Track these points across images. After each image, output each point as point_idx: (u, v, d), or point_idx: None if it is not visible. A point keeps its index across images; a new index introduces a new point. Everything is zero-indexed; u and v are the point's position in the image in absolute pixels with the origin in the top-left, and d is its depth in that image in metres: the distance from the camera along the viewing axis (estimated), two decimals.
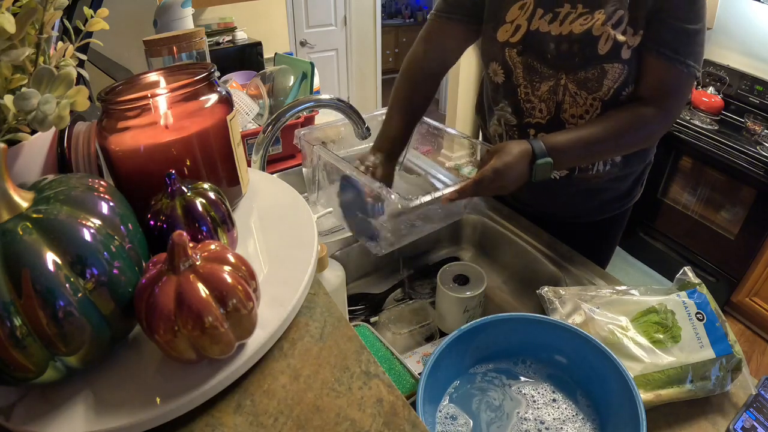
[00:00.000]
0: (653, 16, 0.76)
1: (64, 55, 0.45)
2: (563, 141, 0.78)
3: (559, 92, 0.84)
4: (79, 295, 0.32)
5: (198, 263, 0.35)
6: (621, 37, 0.77)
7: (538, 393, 0.61)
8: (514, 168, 0.75)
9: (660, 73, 0.79)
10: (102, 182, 0.38)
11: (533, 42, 0.82)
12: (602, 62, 0.79)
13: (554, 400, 0.60)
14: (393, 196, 0.72)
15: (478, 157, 0.91)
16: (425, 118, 1.02)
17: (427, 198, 0.73)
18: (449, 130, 1.06)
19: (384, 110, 0.97)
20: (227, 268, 0.36)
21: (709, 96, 2.26)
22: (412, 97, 0.94)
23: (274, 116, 0.86)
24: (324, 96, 0.89)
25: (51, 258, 0.31)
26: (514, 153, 0.75)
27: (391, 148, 0.90)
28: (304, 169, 0.96)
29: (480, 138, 1.07)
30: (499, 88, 0.91)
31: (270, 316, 0.41)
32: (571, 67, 0.81)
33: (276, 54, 1.40)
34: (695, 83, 0.85)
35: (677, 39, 0.76)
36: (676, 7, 0.75)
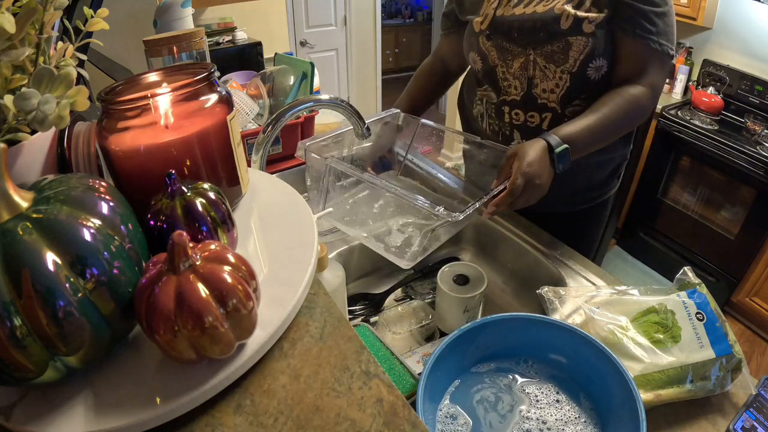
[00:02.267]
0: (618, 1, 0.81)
1: (64, 55, 0.45)
2: (572, 130, 0.82)
3: (530, 67, 0.90)
4: (79, 295, 0.32)
5: (198, 263, 0.35)
6: (581, 14, 0.83)
7: (542, 393, 0.61)
8: (540, 163, 0.75)
9: (636, 52, 0.85)
10: (102, 182, 0.38)
11: (498, 26, 0.91)
12: (566, 35, 0.84)
13: (557, 401, 0.60)
14: (442, 211, 0.68)
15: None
16: (425, 120, 1.06)
17: (474, 207, 0.71)
18: (449, 130, 1.06)
19: (383, 113, 1.06)
20: (227, 268, 0.36)
21: (709, 96, 2.26)
22: (433, 75, 1.15)
23: (274, 116, 0.86)
24: (324, 96, 0.89)
25: (51, 258, 0.31)
26: (532, 151, 0.76)
27: (409, 105, 1.11)
28: (308, 181, 0.96)
29: (459, 126, 1.18)
30: (479, 73, 0.99)
31: (270, 316, 0.41)
32: (537, 42, 0.87)
33: (276, 54, 1.40)
34: (671, 61, 0.89)
35: (647, 19, 0.82)
36: None
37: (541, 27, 0.86)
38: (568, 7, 0.84)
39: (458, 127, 1.24)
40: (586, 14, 0.83)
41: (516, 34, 0.89)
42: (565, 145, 0.79)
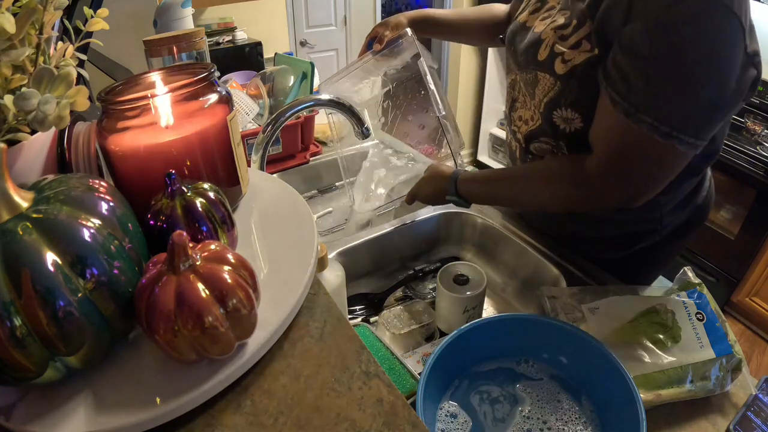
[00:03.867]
0: (613, 37, 0.59)
1: (64, 55, 0.45)
2: (472, 174, 0.84)
3: (516, 88, 0.81)
4: (79, 295, 0.32)
5: (198, 263, 0.35)
6: (560, 47, 0.65)
7: (542, 393, 0.61)
8: (430, 185, 0.90)
9: (604, 119, 0.62)
10: (102, 182, 0.38)
11: (510, 32, 0.83)
12: (536, 69, 0.71)
13: (558, 401, 0.60)
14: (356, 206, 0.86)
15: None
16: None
17: (381, 203, 0.92)
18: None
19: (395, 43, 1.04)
20: (227, 268, 0.36)
21: None
22: (479, 16, 1.05)
23: (273, 116, 0.86)
24: (324, 96, 0.89)
25: (51, 258, 0.31)
26: (430, 175, 0.90)
27: (422, 20, 1.02)
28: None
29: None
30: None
31: (270, 316, 0.41)
32: (520, 63, 0.76)
33: (276, 54, 1.40)
34: (675, 149, 0.57)
35: (627, 76, 0.57)
36: (638, 31, 0.55)
37: (524, 49, 0.73)
38: (554, 35, 0.67)
39: (461, 127, 1.23)
40: (563, 50, 0.64)
41: (513, 47, 0.79)
42: (455, 197, 0.84)
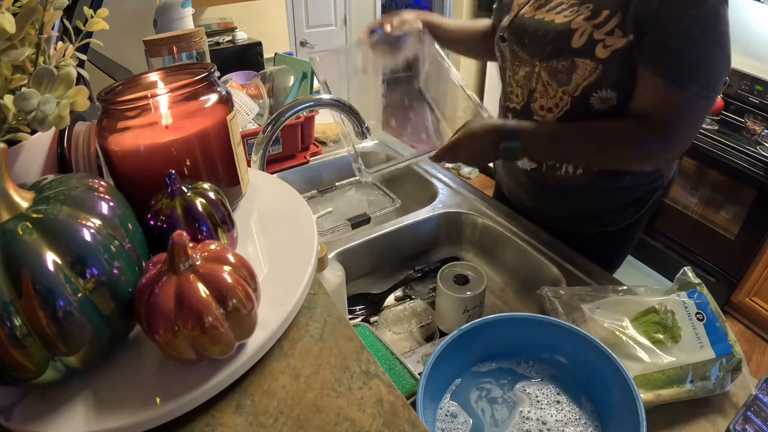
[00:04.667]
0: (650, 26, 0.70)
1: (64, 55, 0.45)
2: (535, 127, 0.81)
3: (533, 79, 0.85)
4: (79, 295, 0.32)
5: (198, 263, 0.35)
6: (598, 35, 0.74)
7: (542, 393, 0.61)
8: (477, 141, 0.83)
9: (654, 92, 0.74)
10: (102, 182, 0.38)
11: (516, 27, 0.86)
12: (574, 55, 0.77)
13: (558, 402, 0.60)
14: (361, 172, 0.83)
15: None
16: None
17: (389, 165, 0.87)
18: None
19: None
20: (227, 268, 0.36)
21: None
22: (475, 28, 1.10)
23: (273, 116, 0.86)
24: (324, 96, 0.89)
25: (51, 258, 0.31)
26: (478, 129, 0.83)
27: (427, 23, 1.03)
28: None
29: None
30: (500, 71, 0.97)
31: (270, 316, 0.41)
32: (544, 54, 0.81)
33: (276, 54, 1.40)
34: (707, 105, 0.75)
35: (674, 56, 0.70)
36: (676, 21, 0.68)
37: (553, 39, 0.79)
38: (587, 24, 0.75)
39: None
40: (604, 37, 0.73)
41: (527, 40, 0.83)
42: (515, 144, 0.80)
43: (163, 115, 0.46)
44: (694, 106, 0.73)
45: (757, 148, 1.95)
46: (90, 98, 0.42)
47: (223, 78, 1.38)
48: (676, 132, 0.75)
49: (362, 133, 0.93)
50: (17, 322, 0.30)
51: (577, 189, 0.93)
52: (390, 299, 0.92)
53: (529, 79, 0.86)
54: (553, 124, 0.84)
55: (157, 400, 0.35)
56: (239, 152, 0.54)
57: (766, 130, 2.03)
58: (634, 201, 0.95)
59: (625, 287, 0.73)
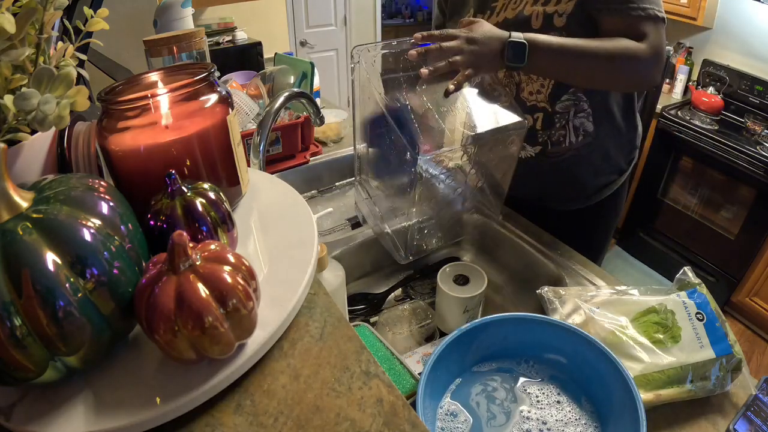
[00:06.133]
0: None
1: (64, 55, 0.45)
2: (542, 37, 0.77)
3: (514, 74, 0.92)
4: (79, 295, 0.32)
5: (198, 263, 0.35)
6: (549, 9, 0.81)
7: (543, 393, 0.61)
8: (487, 37, 0.75)
9: (619, 28, 0.80)
10: (102, 182, 0.38)
11: None
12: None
13: (558, 402, 0.60)
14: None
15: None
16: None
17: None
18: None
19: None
20: (227, 268, 0.36)
21: (709, 96, 2.26)
22: None
23: (260, 120, 0.89)
24: (287, 90, 0.92)
25: (51, 258, 0.31)
26: (488, 26, 0.77)
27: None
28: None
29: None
30: None
31: (270, 316, 0.41)
32: None
33: (276, 54, 1.40)
34: (663, 23, 0.82)
35: None
36: None
37: (517, 30, 0.79)
38: (537, 5, 0.82)
39: None
40: (555, 8, 0.82)
41: None
42: (523, 41, 0.75)
43: (163, 115, 0.46)
44: (658, 23, 0.80)
45: (757, 148, 1.95)
46: (90, 98, 0.42)
47: (223, 78, 1.38)
48: (658, 47, 0.80)
49: (317, 122, 1.00)
50: (17, 322, 0.30)
51: (568, 166, 1.00)
52: (390, 299, 0.92)
53: (510, 76, 0.93)
54: (560, 39, 0.81)
55: (157, 400, 0.35)
56: (239, 152, 0.54)
57: (766, 130, 2.03)
58: (619, 169, 1.04)
59: (625, 287, 0.73)
